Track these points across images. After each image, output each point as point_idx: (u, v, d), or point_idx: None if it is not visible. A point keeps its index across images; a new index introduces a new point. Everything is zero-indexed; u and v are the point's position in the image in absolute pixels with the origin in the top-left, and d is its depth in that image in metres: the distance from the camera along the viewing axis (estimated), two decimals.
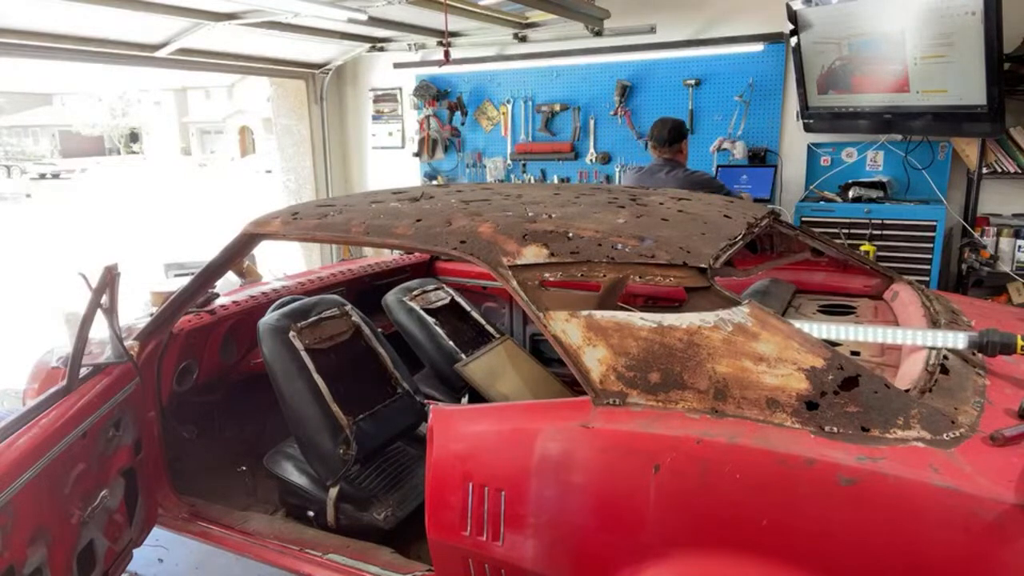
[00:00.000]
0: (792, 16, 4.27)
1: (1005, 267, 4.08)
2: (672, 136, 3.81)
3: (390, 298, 3.15)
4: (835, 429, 1.43)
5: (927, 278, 4.09)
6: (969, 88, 3.71)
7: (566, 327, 1.66)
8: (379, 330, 2.85)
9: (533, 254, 1.75)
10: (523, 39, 5.50)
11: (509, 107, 5.76)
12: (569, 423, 1.63)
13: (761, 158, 4.87)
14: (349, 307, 2.79)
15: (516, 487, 1.67)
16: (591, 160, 5.48)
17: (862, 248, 4.17)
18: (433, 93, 5.91)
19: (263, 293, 3.11)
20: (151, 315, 2.55)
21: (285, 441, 2.65)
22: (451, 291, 3.37)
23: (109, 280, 2.08)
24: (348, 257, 6.05)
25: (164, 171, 30.07)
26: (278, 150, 6.69)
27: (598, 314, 1.65)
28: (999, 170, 4.11)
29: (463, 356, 2.95)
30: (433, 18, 4.67)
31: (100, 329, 2.19)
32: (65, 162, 34.42)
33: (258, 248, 2.44)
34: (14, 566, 1.76)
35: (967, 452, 1.35)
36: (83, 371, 2.14)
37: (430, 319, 3.08)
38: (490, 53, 5.74)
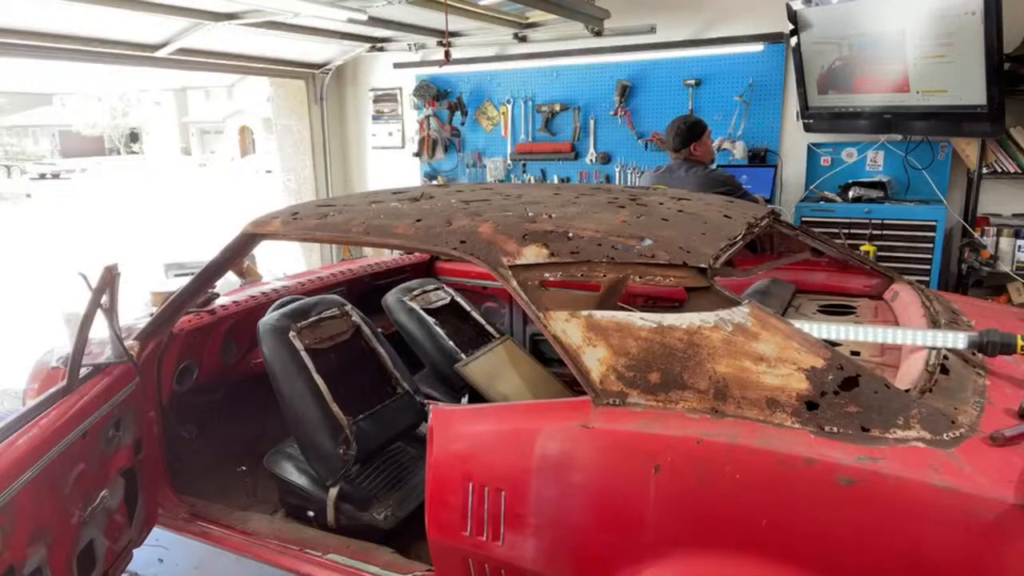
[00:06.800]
0: (792, 16, 4.27)
1: (1005, 267, 4.08)
2: (683, 138, 3.76)
3: (390, 298, 3.14)
4: (835, 429, 1.43)
5: (927, 278, 4.09)
6: (969, 88, 3.71)
7: (566, 327, 1.66)
8: (379, 330, 2.85)
9: (533, 254, 1.75)
10: (523, 39, 5.50)
11: (509, 107, 5.75)
12: (569, 423, 1.63)
13: (761, 158, 4.87)
14: (349, 307, 2.79)
15: (516, 487, 1.67)
16: (591, 160, 5.48)
17: (862, 248, 4.17)
18: (433, 93, 5.91)
19: (263, 293, 3.11)
20: (151, 315, 2.55)
21: (285, 441, 2.65)
22: (451, 291, 3.37)
23: (109, 280, 2.08)
24: (348, 257, 6.05)
25: (164, 171, 30.07)
26: (278, 150, 6.70)
27: (598, 314, 1.65)
28: (999, 170, 4.11)
29: (463, 356, 2.94)
30: (433, 18, 4.66)
31: (100, 329, 2.19)
32: (65, 162, 34.40)
33: (258, 248, 2.44)
34: (14, 566, 1.76)
35: (967, 452, 1.35)
36: (83, 371, 2.14)
37: (430, 319, 3.08)
38: (490, 53, 5.74)
